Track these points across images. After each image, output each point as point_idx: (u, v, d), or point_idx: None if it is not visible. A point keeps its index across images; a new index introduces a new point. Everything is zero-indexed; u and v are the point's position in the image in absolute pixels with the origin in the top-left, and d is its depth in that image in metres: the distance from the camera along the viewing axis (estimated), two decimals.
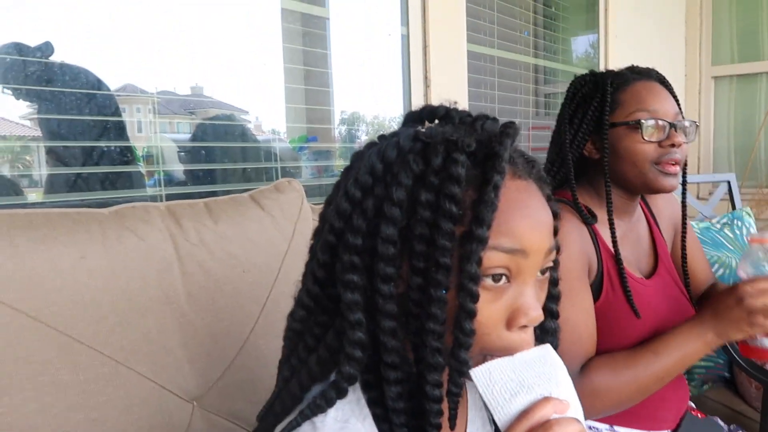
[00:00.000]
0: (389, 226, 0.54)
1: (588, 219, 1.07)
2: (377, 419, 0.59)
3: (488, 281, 0.55)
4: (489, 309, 0.55)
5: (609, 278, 1.07)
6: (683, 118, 1.10)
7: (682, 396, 1.17)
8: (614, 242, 1.08)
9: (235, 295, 1.06)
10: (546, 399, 0.55)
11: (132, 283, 0.93)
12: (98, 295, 0.88)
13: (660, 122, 1.05)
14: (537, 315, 0.56)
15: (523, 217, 0.56)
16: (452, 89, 2.00)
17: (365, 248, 0.56)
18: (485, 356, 0.57)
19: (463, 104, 2.07)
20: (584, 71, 1.21)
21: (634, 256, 1.16)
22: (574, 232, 1.05)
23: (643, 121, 1.05)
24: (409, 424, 0.58)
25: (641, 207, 1.23)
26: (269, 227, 1.17)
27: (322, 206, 0.66)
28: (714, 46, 3.65)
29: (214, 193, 1.47)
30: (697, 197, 3.38)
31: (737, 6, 3.61)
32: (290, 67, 1.87)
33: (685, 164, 1.15)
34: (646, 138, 1.05)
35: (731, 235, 2.12)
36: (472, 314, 0.53)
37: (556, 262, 0.62)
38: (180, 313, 0.98)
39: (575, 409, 0.57)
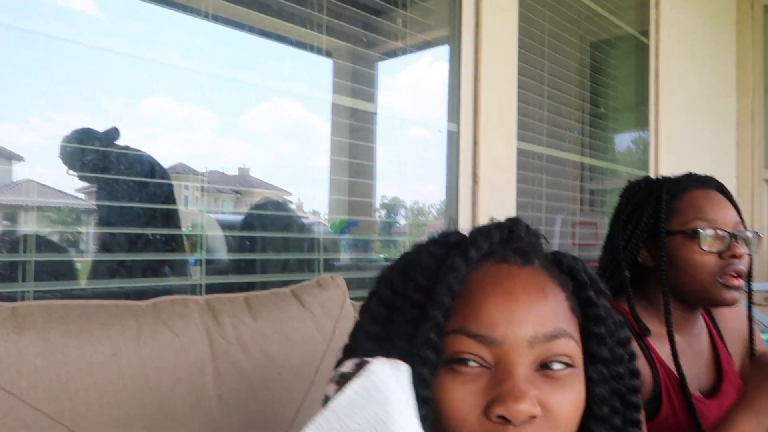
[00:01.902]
0: (372, 324, 0.57)
1: (642, 331, 1.02)
2: None
3: (459, 367, 0.52)
4: (461, 393, 0.52)
5: (668, 397, 1.00)
6: (745, 227, 1.04)
7: None
8: (675, 359, 1.01)
9: (269, 399, 1.00)
10: None
11: (163, 384, 0.88)
12: (126, 398, 0.83)
13: (719, 232, 1.01)
14: (520, 408, 0.49)
15: (493, 303, 0.53)
16: (500, 185, 1.98)
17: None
18: None
19: (511, 199, 2.04)
20: (629, 169, 1.18)
21: (694, 372, 1.08)
22: None
23: (701, 230, 1.01)
24: None
25: (704, 319, 1.15)
26: (309, 325, 1.12)
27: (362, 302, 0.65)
28: (766, 148, 3.59)
29: (254, 284, 1.44)
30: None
31: None
32: (336, 159, 1.88)
33: (750, 275, 1.07)
34: (705, 248, 1.00)
35: None
36: (424, 399, 0.51)
37: (602, 376, 0.56)
38: (209, 417, 0.92)
39: None
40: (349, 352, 0.60)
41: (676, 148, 2.98)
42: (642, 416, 0.59)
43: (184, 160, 1.61)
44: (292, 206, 1.85)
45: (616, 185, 2.95)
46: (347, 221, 1.97)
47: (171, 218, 1.44)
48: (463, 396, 0.52)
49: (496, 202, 1.96)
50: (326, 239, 1.87)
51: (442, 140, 2.00)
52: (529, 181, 2.31)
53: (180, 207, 1.51)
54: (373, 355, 0.50)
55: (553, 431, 0.52)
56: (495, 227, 0.59)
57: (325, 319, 1.15)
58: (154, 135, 1.50)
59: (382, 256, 2.06)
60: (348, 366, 0.47)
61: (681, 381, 1.01)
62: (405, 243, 2.15)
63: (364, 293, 0.63)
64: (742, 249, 1.01)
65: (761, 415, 0.89)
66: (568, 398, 0.54)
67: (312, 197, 1.90)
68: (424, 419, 0.50)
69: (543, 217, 2.45)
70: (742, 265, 1.01)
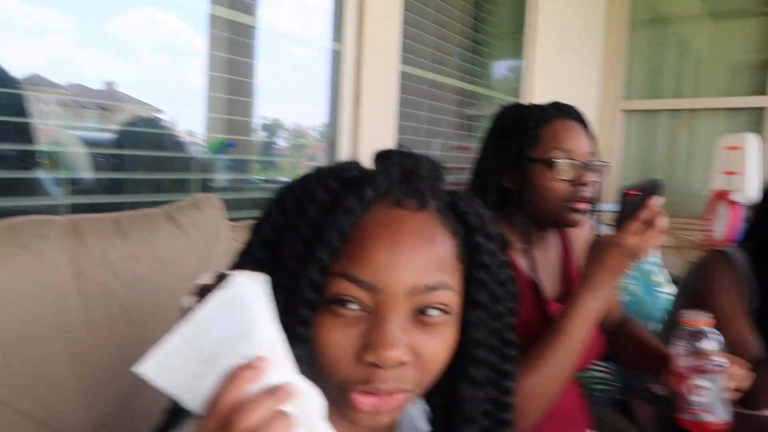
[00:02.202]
0: (260, 249, 0.56)
1: (505, 245, 1.11)
2: None
3: (340, 309, 0.52)
4: (338, 335, 0.52)
5: (526, 301, 1.12)
6: (596, 158, 1.15)
7: (583, 421, 1.21)
8: (533, 269, 1.13)
9: (141, 320, 0.99)
10: (233, 374, 0.46)
11: (21, 307, 0.84)
12: None
13: (573, 162, 1.11)
14: (390, 355, 0.51)
15: (380, 249, 0.52)
16: (382, 108, 1.99)
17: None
18: (344, 391, 0.52)
19: (392, 123, 2.07)
20: (506, 96, 1.25)
21: (548, 281, 1.21)
22: None
23: (557, 160, 1.10)
24: None
25: (558, 234, 1.27)
26: (183, 246, 1.10)
27: (240, 223, 0.63)
28: (627, 82, 3.88)
29: (123, 205, 1.38)
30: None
31: (647, 45, 3.85)
32: (214, 75, 1.79)
33: (598, 199, 1.19)
34: (559, 177, 1.10)
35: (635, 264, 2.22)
36: (302, 339, 0.51)
37: (481, 321, 0.58)
38: (74, 340, 0.90)
39: (280, 359, 0.49)
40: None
41: (547, 76, 3.13)
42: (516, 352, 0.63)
43: (41, 71, 1.46)
44: (165, 124, 1.76)
45: (492, 111, 3.07)
46: (225, 141, 1.91)
47: (25, 133, 1.32)
48: (339, 338, 0.52)
49: (377, 125, 1.98)
50: (202, 159, 1.81)
51: (324, 60, 1.96)
52: (410, 105, 2.34)
53: (37, 121, 1.38)
54: None
55: (422, 374, 0.54)
56: (396, 165, 0.56)
57: (200, 239, 1.13)
58: (1, 40, 1.34)
59: (260, 177, 2.03)
60: (207, 278, 0.47)
61: (536, 288, 1.13)
62: (284, 165, 2.13)
63: (241, 214, 0.62)
64: (591, 177, 1.11)
65: (597, 290, 1.03)
66: (440, 343, 0.55)
67: (187, 115, 1.81)
68: (302, 358, 0.50)
69: (421, 141, 2.51)
70: (589, 192, 1.12)
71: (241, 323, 0.45)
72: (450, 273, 0.56)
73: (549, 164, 1.10)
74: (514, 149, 1.14)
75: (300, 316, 0.51)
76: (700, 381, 1.00)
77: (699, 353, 1.01)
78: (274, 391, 0.47)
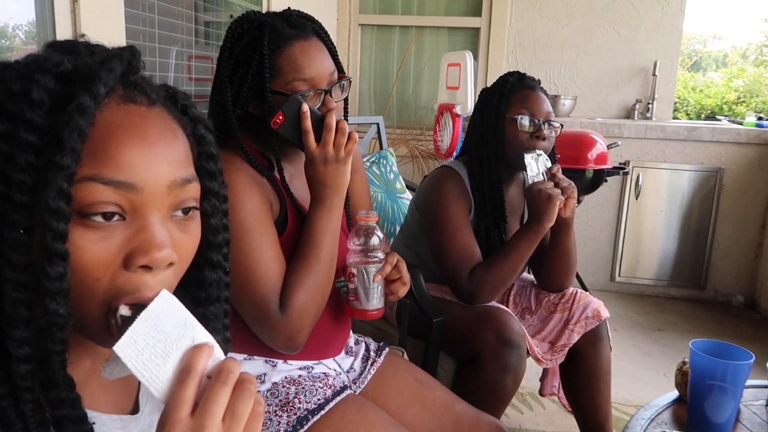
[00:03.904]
0: None
1: (264, 172, 1.13)
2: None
3: (95, 219, 0.49)
4: (97, 248, 0.49)
5: (291, 214, 1.16)
6: (338, 77, 1.15)
7: (346, 326, 1.30)
8: (284, 185, 1.16)
9: None
10: (196, 347, 0.51)
11: None
12: None
13: (315, 92, 1.10)
14: (162, 255, 0.51)
15: (132, 147, 0.51)
16: (106, 9, 1.71)
17: None
18: (109, 307, 0.51)
19: (120, 25, 1.80)
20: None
21: (306, 193, 1.22)
22: (250, 180, 1.09)
23: (299, 96, 1.08)
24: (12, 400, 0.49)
25: None
26: None
27: None
28: None
29: None
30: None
31: None
32: None
33: (346, 114, 1.23)
34: (303, 110, 1.08)
35: (378, 172, 2.38)
36: (60, 255, 0.47)
37: (215, 207, 0.60)
38: None
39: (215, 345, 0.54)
40: None
41: None
42: None
43: None
44: None
45: (229, 18, 2.89)
46: None
47: None
48: (99, 251, 0.49)
49: (102, 27, 1.71)
50: None
51: None
52: (139, 6, 2.07)
53: None
54: None
55: (179, 269, 0.55)
56: (115, 58, 0.52)
57: None
58: None
59: None
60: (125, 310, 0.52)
61: (292, 201, 1.16)
62: None
63: None
64: (333, 104, 1.12)
65: (320, 200, 1.08)
66: (193, 238, 0.57)
67: None
68: (63, 277, 0.47)
69: (156, 48, 2.27)
70: (336, 116, 1.10)
71: (181, 315, 0.52)
72: (191, 166, 0.57)
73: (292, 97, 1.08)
74: (253, 81, 1.09)
75: (55, 230, 0.46)
76: (354, 269, 1.14)
77: (366, 248, 1.14)
78: (224, 371, 0.50)
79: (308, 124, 1.06)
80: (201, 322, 0.54)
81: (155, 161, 0.52)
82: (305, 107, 1.07)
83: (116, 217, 0.50)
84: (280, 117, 1.06)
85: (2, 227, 0.47)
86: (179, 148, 0.55)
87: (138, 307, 0.51)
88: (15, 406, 0.49)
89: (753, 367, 1.18)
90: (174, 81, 2.50)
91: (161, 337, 0.50)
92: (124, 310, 0.51)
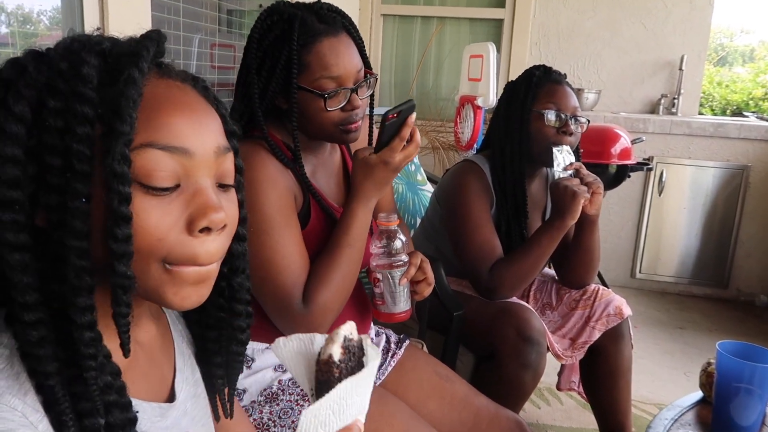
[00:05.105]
0: (11, 145, 0.49)
1: (287, 163, 1.12)
2: (39, 390, 0.50)
3: (154, 186, 0.52)
4: (159, 213, 0.52)
5: (314, 208, 1.15)
6: (366, 74, 1.14)
7: (367, 318, 1.30)
8: (305, 180, 1.14)
9: None
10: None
11: None
12: None
13: (342, 90, 1.09)
14: (220, 216, 0.54)
15: (180, 115, 0.54)
16: None
17: None
18: (166, 266, 0.53)
19: (146, 12, 1.81)
20: None
21: (329, 187, 1.22)
22: (276, 171, 1.09)
23: (326, 95, 1.07)
24: (64, 379, 0.50)
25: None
26: None
27: None
28: None
29: None
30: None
31: None
32: None
33: (372, 110, 1.23)
34: (329, 108, 1.08)
35: None
36: (125, 218, 0.49)
37: (240, 184, 0.63)
38: None
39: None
40: None
41: None
42: None
43: None
44: None
45: (254, 6, 2.89)
46: None
47: None
48: (160, 215, 0.52)
49: (128, 13, 1.71)
50: None
51: None
52: None
53: None
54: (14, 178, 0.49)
55: (230, 232, 0.59)
56: (147, 39, 0.56)
57: None
58: None
59: None
60: (349, 330, 0.60)
61: (313, 194, 1.15)
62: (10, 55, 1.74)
63: None
64: (359, 101, 1.11)
65: (368, 201, 1.10)
66: (235, 205, 0.61)
67: None
68: (129, 238, 0.50)
69: (181, 36, 2.27)
70: (360, 114, 1.12)
71: (366, 392, 0.57)
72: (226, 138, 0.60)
73: (319, 95, 1.07)
74: (281, 75, 1.08)
75: (120, 193, 0.49)
76: (379, 275, 1.14)
77: (390, 251, 1.14)
78: None
79: (407, 132, 1.07)
80: (226, 293, 0.62)
81: (201, 128, 0.55)
82: (413, 117, 1.08)
83: (172, 185, 0.53)
84: (394, 115, 1.05)
85: (64, 198, 0.49)
86: (217, 121, 0.59)
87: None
88: (67, 388, 0.50)
89: None
90: (196, 69, 2.50)
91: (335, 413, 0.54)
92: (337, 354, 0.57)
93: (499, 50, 3.65)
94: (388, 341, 1.34)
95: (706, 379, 1.34)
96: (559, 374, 1.90)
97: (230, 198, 0.60)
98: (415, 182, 2.33)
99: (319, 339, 0.61)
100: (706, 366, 1.36)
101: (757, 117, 4.03)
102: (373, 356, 0.59)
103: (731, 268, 3.50)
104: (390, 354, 1.30)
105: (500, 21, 3.80)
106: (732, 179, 3.41)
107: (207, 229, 0.54)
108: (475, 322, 1.57)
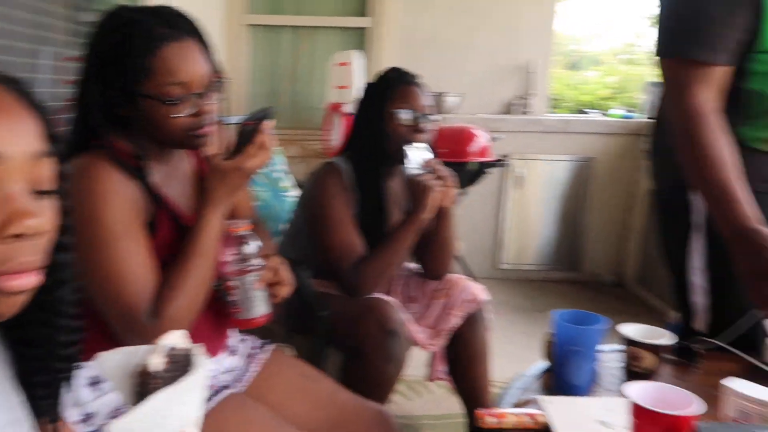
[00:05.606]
0: None
1: (133, 173, 1.08)
2: None
3: None
4: None
5: (164, 217, 1.12)
6: (218, 76, 1.12)
7: (224, 327, 1.29)
8: (151, 189, 1.11)
9: None
10: None
11: None
12: None
13: (189, 96, 1.06)
14: (35, 223, 0.53)
15: None
16: None
17: None
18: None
19: None
20: None
21: (183, 195, 1.20)
22: (117, 182, 1.05)
23: (171, 101, 1.05)
24: None
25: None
26: None
27: None
28: None
29: None
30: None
31: None
32: None
33: (222, 115, 1.20)
34: (175, 115, 1.06)
35: (263, 172, 2.38)
36: None
37: (65, 191, 0.61)
38: None
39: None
40: None
41: None
42: None
43: None
44: None
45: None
46: None
47: None
48: None
49: None
50: None
51: None
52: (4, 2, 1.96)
53: None
54: None
55: (49, 245, 0.58)
56: None
57: None
58: None
59: None
60: (174, 340, 0.59)
61: (167, 203, 1.13)
62: None
63: None
64: (208, 106, 1.10)
65: (220, 207, 1.11)
66: (53, 212, 0.58)
67: None
68: None
69: (26, 48, 2.15)
70: (209, 119, 1.10)
71: (192, 402, 0.55)
72: (46, 143, 0.58)
73: (164, 102, 1.05)
74: (122, 83, 1.05)
75: None
76: (233, 282, 1.13)
77: (241, 257, 1.13)
78: None
79: (261, 138, 1.10)
80: (47, 307, 0.60)
81: (13, 131, 0.54)
82: (270, 124, 1.10)
83: None
84: (250, 122, 1.08)
85: None
86: (34, 122, 0.57)
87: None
88: None
89: (613, 333, 1.30)
90: (45, 83, 2.38)
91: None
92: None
93: (366, 58, 3.77)
94: (250, 347, 1.36)
95: (547, 348, 1.48)
96: (430, 366, 2.01)
97: (50, 205, 0.58)
98: (280, 189, 2.37)
99: (143, 350, 0.59)
100: (548, 336, 1.50)
101: (600, 113, 4.46)
102: (198, 366, 0.57)
103: (582, 252, 3.85)
104: (254, 360, 1.32)
105: (366, 29, 3.93)
106: (580, 171, 3.76)
107: (20, 236, 0.52)
108: (341, 321, 1.63)
